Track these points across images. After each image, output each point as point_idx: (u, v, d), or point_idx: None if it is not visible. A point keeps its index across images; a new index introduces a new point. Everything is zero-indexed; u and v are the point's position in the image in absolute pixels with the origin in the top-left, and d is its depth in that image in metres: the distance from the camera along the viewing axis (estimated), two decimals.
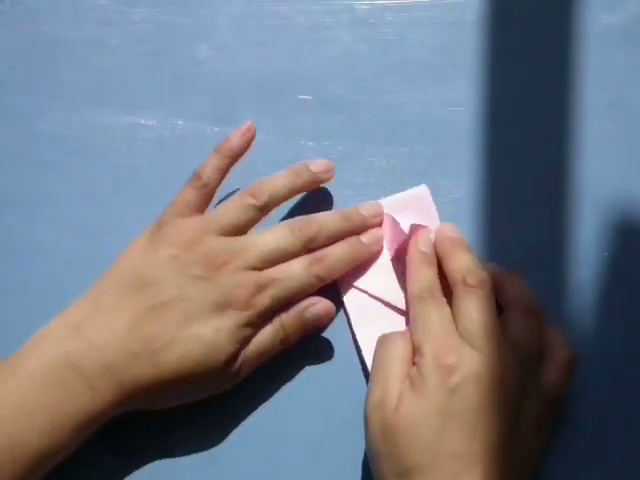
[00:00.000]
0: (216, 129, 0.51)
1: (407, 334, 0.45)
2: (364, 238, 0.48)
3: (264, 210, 0.47)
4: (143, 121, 0.52)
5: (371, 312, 0.48)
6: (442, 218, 0.49)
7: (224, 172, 0.47)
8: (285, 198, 0.47)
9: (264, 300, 0.45)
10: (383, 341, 0.45)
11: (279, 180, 0.47)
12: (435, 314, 0.45)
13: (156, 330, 0.43)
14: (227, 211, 0.46)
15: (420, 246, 0.47)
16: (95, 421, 0.42)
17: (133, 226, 0.49)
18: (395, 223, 0.48)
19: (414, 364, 0.44)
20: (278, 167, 0.50)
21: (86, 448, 0.43)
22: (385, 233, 0.49)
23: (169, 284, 0.44)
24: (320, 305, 0.46)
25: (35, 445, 0.40)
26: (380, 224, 0.49)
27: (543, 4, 0.52)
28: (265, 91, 0.52)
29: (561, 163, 0.50)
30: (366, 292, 0.48)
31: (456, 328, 0.44)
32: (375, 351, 0.46)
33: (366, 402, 0.44)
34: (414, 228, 0.47)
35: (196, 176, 0.47)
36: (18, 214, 0.51)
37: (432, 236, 0.48)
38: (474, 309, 0.44)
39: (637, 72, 0.51)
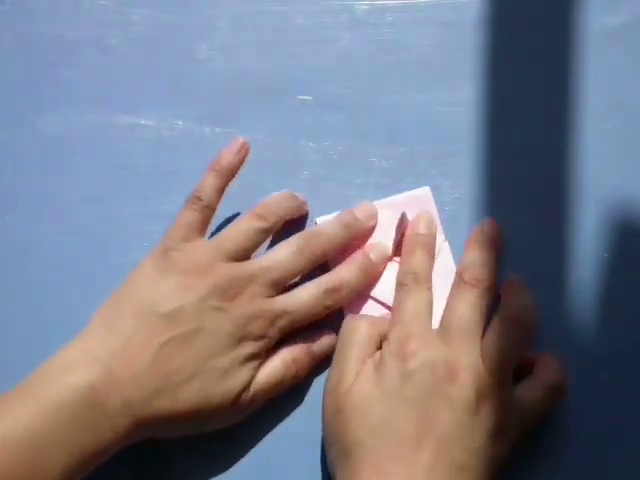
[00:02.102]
0: (216, 129, 0.51)
1: (374, 319, 0.45)
2: (373, 256, 0.48)
3: (270, 232, 0.47)
4: (143, 121, 0.52)
5: (366, 309, 0.48)
6: (442, 218, 0.49)
7: (222, 190, 0.47)
8: (287, 219, 0.47)
9: (276, 331, 0.45)
10: (347, 324, 0.46)
11: (282, 199, 0.47)
12: (410, 302, 0.45)
13: (176, 365, 0.43)
14: (235, 235, 0.46)
15: (418, 228, 0.48)
16: (107, 454, 0.42)
17: (133, 226, 0.50)
18: (396, 223, 0.48)
19: (380, 349, 0.44)
20: (278, 167, 0.50)
21: (105, 471, 0.43)
22: (385, 231, 0.49)
23: (187, 316, 0.43)
24: (325, 338, 0.47)
25: (52, 476, 0.40)
26: (374, 226, 0.49)
27: (543, 4, 0.52)
28: (265, 91, 0.52)
29: (561, 163, 0.50)
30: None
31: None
32: (339, 334, 0.46)
33: (324, 388, 0.44)
34: (404, 219, 0.48)
35: (196, 197, 0.46)
36: (18, 214, 0.50)
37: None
38: (458, 303, 0.44)
39: (637, 73, 0.51)
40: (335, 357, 0.45)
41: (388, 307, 0.47)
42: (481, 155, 0.50)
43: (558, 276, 0.48)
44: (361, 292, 0.48)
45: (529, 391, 0.44)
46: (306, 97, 0.52)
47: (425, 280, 0.46)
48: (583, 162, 0.50)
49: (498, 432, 0.42)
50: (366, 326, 0.45)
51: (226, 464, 0.47)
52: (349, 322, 0.45)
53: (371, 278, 0.48)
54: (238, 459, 0.47)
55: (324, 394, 0.44)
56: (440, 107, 0.51)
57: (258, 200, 0.47)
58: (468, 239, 0.48)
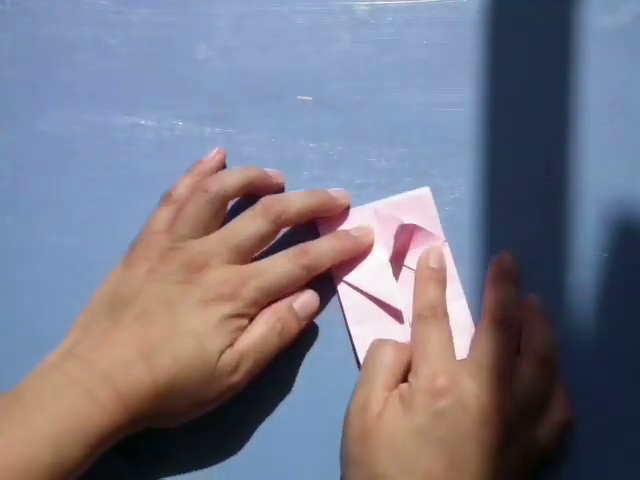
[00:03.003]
0: (216, 129, 0.51)
1: (401, 345, 0.45)
2: (354, 232, 0.48)
3: (218, 199, 0.46)
4: (143, 121, 0.52)
5: (366, 309, 0.48)
6: (442, 218, 0.49)
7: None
8: (238, 188, 0.47)
9: (249, 291, 0.44)
10: (374, 347, 0.45)
11: (229, 170, 0.48)
12: (435, 336, 0.45)
13: (147, 335, 0.43)
14: (184, 218, 0.46)
15: (430, 262, 0.47)
16: (104, 440, 0.41)
17: (133, 226, 0.49)
18: (396, 222, 0.48)
19: (407, 381, 0.44)
20: (278, 167, 0.50)
21: (104, 464, 0.43)
22: (386, 232, 0.49)
23: (151, 293, 0.44)
24: (305, 294, 0.46)
25: (49, 463, 0.39)
26: (347, 206, 0.49)
27: (543, 4, 0.52)
28: (265, 91, 0.52)
29: (561, 163, 0.50)
30: (361, 290, 0.48)
31: (468, 353, 0.45)
32: (366, 355, 0.46)
33: (349, 405, 0.44)
34: (404, 228, 0.48)
35: (166, 195, 0.47)
36: (18, 214, 0.51)
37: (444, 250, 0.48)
38: (488, 341, 0.44)
39: (637, 73, 0.51)
40: (361, 378, 0.45)
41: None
42: (481, 155, 0.50)
43: (558, 276, 0.49)
44: (339, 265, 0.48)
45: (547, 429, 0.44)
46: (306, 97, 0.52)
47: (443, 313, 0.46)
48: (583, 162, 0.50)
49: (522, 472, 0.43)
50: (393, 351, 0.45)
51: (226, 456, 0.47)
52: (377, 344, 0.45)
53: (347, 250, 0.47)
54: (238, 451, 0.47)
55: (348, 413, 0.44)
56: (440, 107, 0.51)
57: (257, 200, 0.47)
58: (490, 272, 0.47)
